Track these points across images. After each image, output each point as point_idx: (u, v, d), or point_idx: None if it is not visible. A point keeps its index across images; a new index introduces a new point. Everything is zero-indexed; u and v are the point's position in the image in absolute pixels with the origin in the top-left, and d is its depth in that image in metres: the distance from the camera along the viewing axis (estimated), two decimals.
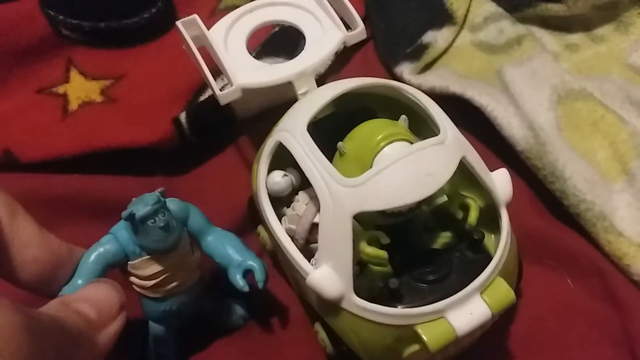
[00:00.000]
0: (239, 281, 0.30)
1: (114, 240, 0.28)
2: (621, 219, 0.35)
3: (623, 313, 0.33)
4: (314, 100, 0.29)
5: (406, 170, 0.26)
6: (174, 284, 0.30)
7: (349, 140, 0.29)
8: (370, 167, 0.27)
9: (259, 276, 0.30)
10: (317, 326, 0.31)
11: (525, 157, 0.37)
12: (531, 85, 0.40)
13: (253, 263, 0.30)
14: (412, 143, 0.28)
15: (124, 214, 0.27)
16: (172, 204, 0.29)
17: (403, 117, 0.29)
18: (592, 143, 0.38)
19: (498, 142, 0.39)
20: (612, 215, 0.35)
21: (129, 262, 0.29)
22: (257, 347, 0.34)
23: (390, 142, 0.27)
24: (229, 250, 0.31)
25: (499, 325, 0.33)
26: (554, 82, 0.40)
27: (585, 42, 0.45)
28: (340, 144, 0.28)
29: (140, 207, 0.27)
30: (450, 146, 0.27)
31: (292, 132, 0.28)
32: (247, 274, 0.30)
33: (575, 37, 0.45)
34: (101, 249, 0.28)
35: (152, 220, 0.27)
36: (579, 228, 0.36)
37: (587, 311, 0.34)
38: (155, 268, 0.29)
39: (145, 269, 0.29)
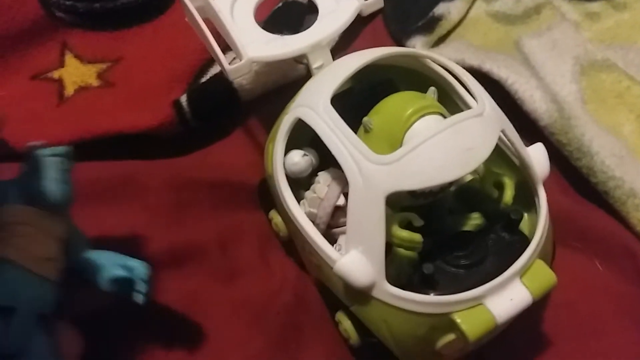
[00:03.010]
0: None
1: None
2: None
3: None
4: (336, 72, 0.27)
5: (445, 145, 0.24)
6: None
7: (375, 115, 0.26)
8: (401, 143, 0.25)
9: (142, 274, 0.27)
10: (340, 316, 0.29)
11: (549, 133, 0.36)
12: (552, 56, 0.38)
13: (133, 262, 0.27)
14: (444, 116, 0.26)
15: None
16: None
17: (432, 89, 0.27)
18: (618, 116, 0.37)
19: (517, 117, 0.36)
20: None
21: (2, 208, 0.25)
22: (275, 336, 0.31)
23: (422, 116, 0.25)
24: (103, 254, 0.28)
25: (526, 312, 0.32)
26: (576, 52, 0.38)
27: (607, 10, 0.43)
28: (366, 119, 0.26)
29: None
30: (489, 118, 0.25)
31: (314, 107, 0.26)
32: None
33: (596, 5, 0.43)
34: None
35: (62, 159, 0.26)
36: (607, 207, 0.34)
37: (618, 295, 0.32)
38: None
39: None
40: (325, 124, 0.25)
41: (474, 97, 0.26)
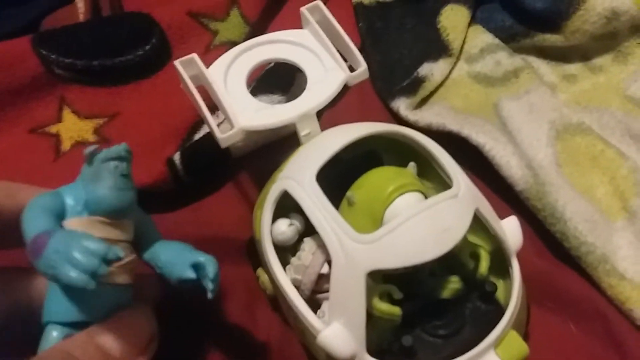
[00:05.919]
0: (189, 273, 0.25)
1: (55, 194, 0.25)
2: (622, 259, 0.35)
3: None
4: (323, 148, 0.28)
5: (422, 226, 0.25)
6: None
7: (358, 189, 0.28)
8: (381, 218, 0.27)
9: (210, 272, 0.25)
10: None
11: (524, 198, 0.37)
12: (529, 120, 0.40)
13: (202, 258, 0.26)
14: (422, 193, 0.27)
15: (88, 149, 0.24)
16: None
17: (412, 164, 0.29)
18: (592, 179, 0.38)
19: (496, 179, 0.38)
20: (614, 256, 0.35)
21: (63, 222, 0.24)
22: None
23: (402, 194, 0.27)
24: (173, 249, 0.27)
25: None
26: (552, 116, 0.40)
27: (584, 72, 0.44)
28: (349, 193, 0.28)
29: (106, 149, 0.25)
30: (464, 199, 0.27)
31: (299, 181, 0.28)
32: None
33: (573, 67, 0.45)
34: (40, 201, 0.24)
35: (116, 164, 0.25)
36: (581, 269, 0.35)
37: (590, 357, 0.33)
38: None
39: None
40: (310, 200, 0.27)
41: (447, 174, 0.27)
